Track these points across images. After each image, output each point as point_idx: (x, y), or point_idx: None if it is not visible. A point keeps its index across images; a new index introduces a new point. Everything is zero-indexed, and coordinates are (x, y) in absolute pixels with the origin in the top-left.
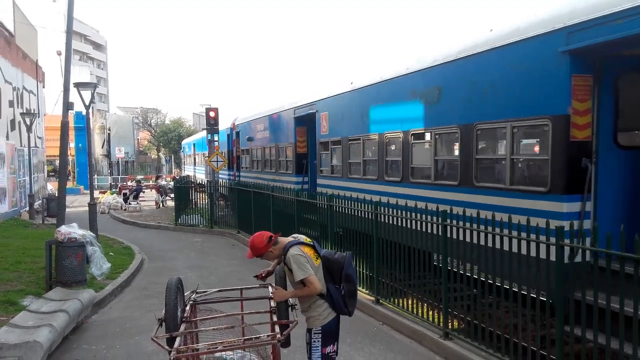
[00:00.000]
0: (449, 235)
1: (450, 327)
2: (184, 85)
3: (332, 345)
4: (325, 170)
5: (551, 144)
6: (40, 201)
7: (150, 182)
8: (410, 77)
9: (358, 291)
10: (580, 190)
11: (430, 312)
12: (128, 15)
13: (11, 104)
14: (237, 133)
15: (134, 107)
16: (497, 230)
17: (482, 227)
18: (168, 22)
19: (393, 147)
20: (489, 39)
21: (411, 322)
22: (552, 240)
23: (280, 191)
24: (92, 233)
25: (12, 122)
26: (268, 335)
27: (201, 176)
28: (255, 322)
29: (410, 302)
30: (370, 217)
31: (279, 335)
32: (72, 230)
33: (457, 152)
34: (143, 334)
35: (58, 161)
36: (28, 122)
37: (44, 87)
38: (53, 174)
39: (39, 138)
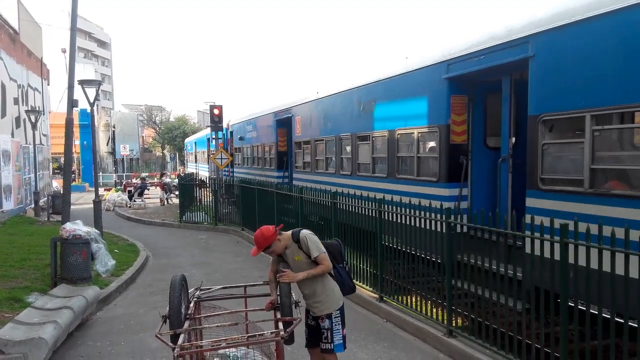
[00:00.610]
0: (452, 231)
1: (454, 324)
2: (189, 82)
3: (345, 328)
4: (299, 166)
5: (438, 146)
6: (46, 198)
7: (155, 180)
8: (356, 91)
9: (362, 288)
10: (458, 179)
11: (434, 310)
12: (132, 12)
13: (16, 101)
14: (231, 133)
15: (138, 105)
16: (409, 211)
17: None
18: (172, 19)
19: (345, 147)
20: (404, 65)
21: (415, 319)
22: (439, 217)
23: (284, 188)
24: (96, 230)
25: (17, 119)
26: (272, 333)
27: (204, 173)
28: (259, 319)
29: (414, 299)
30: (374, 214)
31: (282, 333)
32: (77, 227)
33: (386, 152)
34: (147, 330)
35: (63, 158)
36: (33, 120)
37: (48, 84)
38: (58, 171)
39: (44, 135)
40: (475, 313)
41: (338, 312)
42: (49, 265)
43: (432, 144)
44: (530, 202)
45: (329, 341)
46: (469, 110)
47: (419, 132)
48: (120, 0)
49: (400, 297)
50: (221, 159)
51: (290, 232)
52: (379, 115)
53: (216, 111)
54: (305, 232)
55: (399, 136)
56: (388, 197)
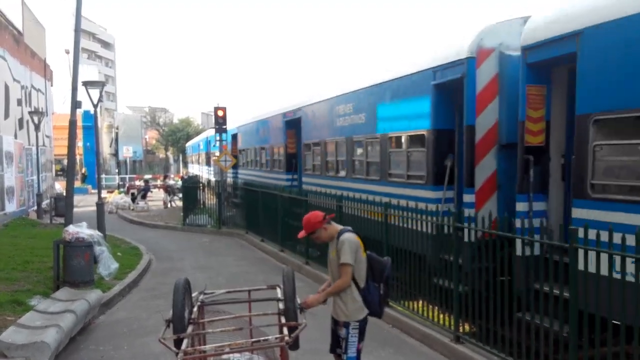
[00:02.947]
0: (459, 234)
1: (461, 330)
2: (192, 84)
3: (362, 342)
4: (241, 165)
5: (283, 153)
6: (48, 200)
7: (158, 182)
8: (257, 121)
9: None
10: (291, 170)
11: (441, 316)
12: (136, 13)
13: (19, 102)
14: (209, 141)
15: (142, 106)
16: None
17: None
18: (176, 21)
19: (257, 153)
20: (271, 110)
21: (421, 325)
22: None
23: (288, 192)
24: (99, 233)
25: (20, 120)
26: (276, 338)
27: (199, 173)
28: (263, 324)
29: (420, 305)
30: (379, 218)
31: (287, 338)
32: (80, 230)
33: (270, 157)
34: (150, 335)
35: (66, 160)
36: (36, 121)
37: (52, 85)
38: (61, 173)
39: (47, 137)
40: (484, 318)
41: (357, 324)
42: (51, 268)
43: (282, 152)
44: (304, 179)
45: (344, 351)
46: (295, 137)
47: (277, 147)
48: (125, 2)
49: (406, 303)
50: (225, 161)
51: (340, 226)
52: (264, 136)
53: (220, 113)
54: (346, 237)
55: (272, 148)
56: (272, 182)
